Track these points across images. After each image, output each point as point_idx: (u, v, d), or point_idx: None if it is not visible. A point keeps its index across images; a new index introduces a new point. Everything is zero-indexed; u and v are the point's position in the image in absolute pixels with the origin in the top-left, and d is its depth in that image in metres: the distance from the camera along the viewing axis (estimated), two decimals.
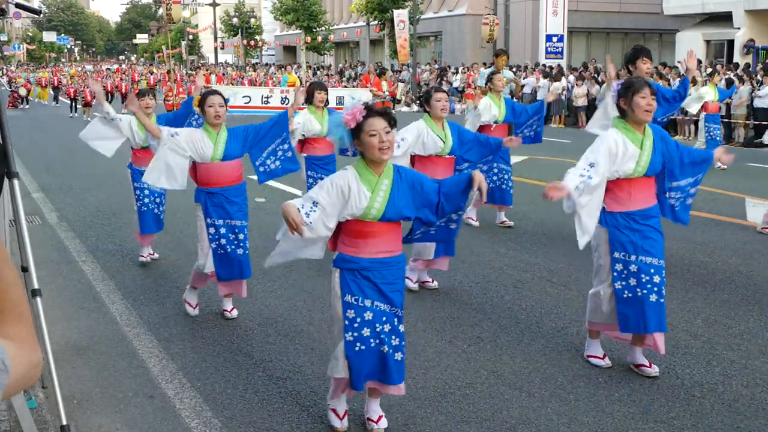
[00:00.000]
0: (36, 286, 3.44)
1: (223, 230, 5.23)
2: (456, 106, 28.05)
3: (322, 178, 7.37)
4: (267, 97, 23.40)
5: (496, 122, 8.12)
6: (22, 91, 34.31)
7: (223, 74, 39.07)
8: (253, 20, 55.37)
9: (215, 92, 5.31)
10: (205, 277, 5.44)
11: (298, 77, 31.25)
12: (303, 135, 7.47)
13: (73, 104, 27.88)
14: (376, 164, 3.47)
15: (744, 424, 3.85)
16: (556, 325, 5.34)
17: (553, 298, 5.92)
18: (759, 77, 18.78)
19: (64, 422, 3.45)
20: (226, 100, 5.32)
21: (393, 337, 3.57)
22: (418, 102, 29.77)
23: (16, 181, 3.53)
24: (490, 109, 8.09)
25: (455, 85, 29.89)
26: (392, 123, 3.42)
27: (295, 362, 4.70)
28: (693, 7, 27.88)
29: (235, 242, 5.28)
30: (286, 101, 23.41)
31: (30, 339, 1.30)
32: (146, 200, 6.91)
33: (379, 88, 20.83)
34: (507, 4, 33.68)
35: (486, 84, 8.42)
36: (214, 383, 4.39)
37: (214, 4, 48.81)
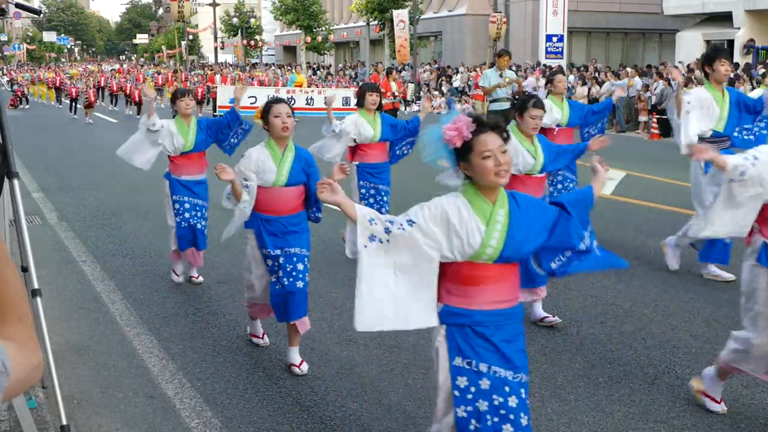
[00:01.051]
0: (36, 286, 3.44)
1: (281, 260, 4.46)
2: (456, 107, 28.06)
3: (376, 189, 6.94)
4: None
5: (558, 125, 7.54)
6: (25, 90, 34.32)
7: (230, 75, 38.19)
8: (253, 20, 55.37)
9: (281, 100, 4.50)
10: (265, 309, 4.73)
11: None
12: (354, 141, 6.90)
13: (74, 105, 27.15)
14: (490, 190, 2.77)
15: (744, 424, 3.85)
16: (556, 325, 5.34)
17: (553, 298, 5.92)
18: (759, 77, 18.79)
19: (64, 422, 3.45)
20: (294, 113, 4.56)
21: (522, 414, 2.77)
22: (418, 101, 29.76)
23: (16, 181, 3.53)
24: (552, 112, 7.46)
25: (455, 85, 29.89)
26: (507, 138, 2.76)
27: None
28: (693, 7, 27.88)
29: (293, 274, 4.48)
30: (293, 101, 23.07)
31: (31, 340, 1.30)
32: (186, 215, 6.13)
33: (387, 88, 20.28)
34: (507, 4, 33.67)
35: (545, 86, 8.01)
36: (214, 383, 4.39)
37: (214, 4, 48.79)
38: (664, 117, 19.98)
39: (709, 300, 5.87)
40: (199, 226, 6.18)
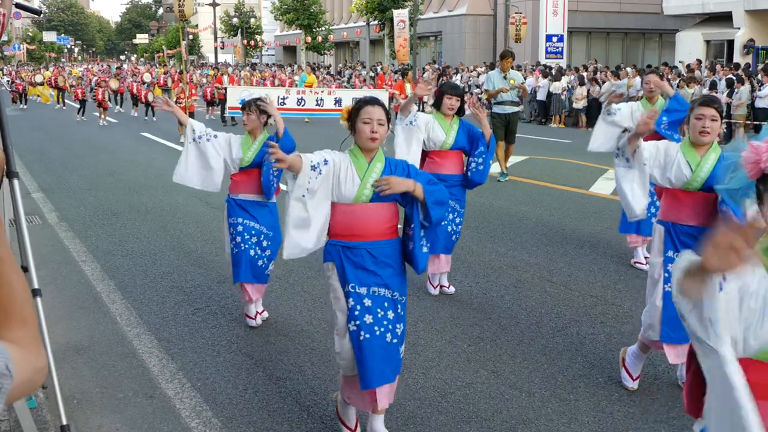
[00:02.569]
0: (36, 286, 3.45)
1: (367, 302, 3.47)
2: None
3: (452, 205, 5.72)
4: (283, 98, 22.55)
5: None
6: (26, 87, 34.01)
7: (237, 76, 36.23)
8: (253, 20, 55.43)
9: (375, 101, 3.51)
10: (355, 381, 3.57)
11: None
12: (423, 147, 5.83)
13: (82, 106, 25.80)
14: None
15: None
16: (556, 325, 5.35)
17: (553, 298, 5.92)
18: (759, 77, 18.79)
19: (64, 422, 3.45)
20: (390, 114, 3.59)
21: None
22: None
23: (16, 181, 3.54)
24: (633, 117, 6.74)
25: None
26: None
27: (295, 362, 4.70)
28: (693, 7, 27.91)
29: (385, 324, 3.49)
30: (302, 102, 22.42)
31: (35, 343, 1.30)
32: (238, 239, 5.23)
33: (402, 91, 19.05)
34: (507, 4, 33.67)
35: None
36: (214, 383, 4.40)
37: (214, 4, 48.82)
38: None
39: None
40: (252, 252, 5.21)
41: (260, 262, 5.26)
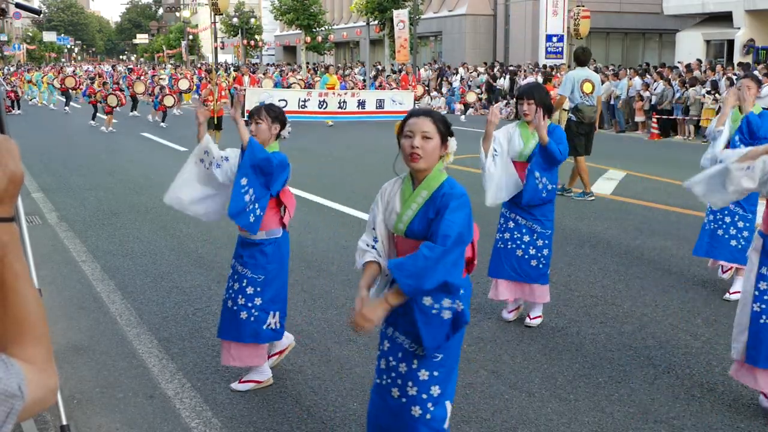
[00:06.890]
0: (36, 286, 3.44)
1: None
2: (456, 106, 28.06)
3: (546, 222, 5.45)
4: (304, 101, 21.75)
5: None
6: (19, 92, 33.47)
7: (264, 73, 34.13)
8: (253, 20, 55.42)
9: (425, 112, 2.94)
10: None
11: (300, 78, 31.02)
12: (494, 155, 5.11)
13: (96, 112, 24.07)
14: None
15: (744, 424, 3.85)
16: (556, 325, 5.35)
17: (553, 298, 5.92)
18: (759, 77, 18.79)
19: (64, 422, 3.46)
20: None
21: None
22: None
23: None
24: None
25: (455, 85, 29.88)
26: None
27: (295, 362, 4.70)
28: (693, 7, 27.90)
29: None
30: (324, 105, 21.30)
31: (48, 363, 1.29)
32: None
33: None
34: (507, 4, 33.66)
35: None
36: (214, 383, 4.40)
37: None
38: (663, 117, 19.97)
39: (709, 300, 5.87)
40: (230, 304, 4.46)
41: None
